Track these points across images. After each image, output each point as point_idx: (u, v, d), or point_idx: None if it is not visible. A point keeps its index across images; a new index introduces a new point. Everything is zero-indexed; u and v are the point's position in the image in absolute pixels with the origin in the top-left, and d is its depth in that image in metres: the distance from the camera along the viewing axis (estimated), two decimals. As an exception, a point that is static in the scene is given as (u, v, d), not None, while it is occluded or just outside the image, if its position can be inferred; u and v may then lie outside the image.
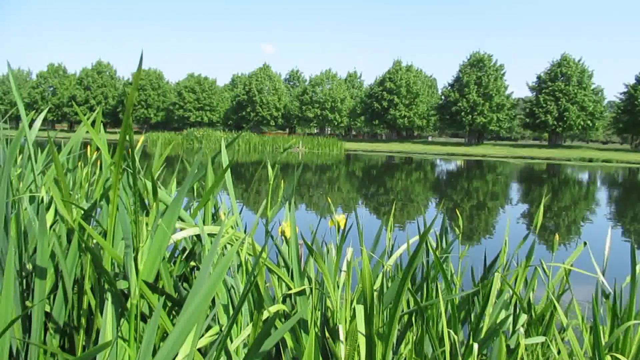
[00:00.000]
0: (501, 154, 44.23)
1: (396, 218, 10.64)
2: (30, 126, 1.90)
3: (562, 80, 53.14)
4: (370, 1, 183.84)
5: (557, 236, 2.03)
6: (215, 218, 2.18)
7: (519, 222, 10.57)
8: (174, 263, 1.83)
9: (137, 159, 1.26)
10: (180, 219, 1.60)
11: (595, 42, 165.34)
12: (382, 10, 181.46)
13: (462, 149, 49.36)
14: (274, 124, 69.16)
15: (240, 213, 2.22)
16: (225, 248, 1.64)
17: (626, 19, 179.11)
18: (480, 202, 13.47)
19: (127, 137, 1.22)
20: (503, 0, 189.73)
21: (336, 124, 66.68)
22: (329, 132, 71.41)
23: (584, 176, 26.47)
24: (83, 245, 1.42)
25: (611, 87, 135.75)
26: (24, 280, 1.57)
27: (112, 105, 72.25)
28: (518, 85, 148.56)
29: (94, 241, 1.57)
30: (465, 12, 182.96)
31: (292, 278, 1.83)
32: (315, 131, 72.48)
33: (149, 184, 1.44)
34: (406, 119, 59.90)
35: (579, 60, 53.89)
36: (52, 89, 75.38)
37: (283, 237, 2.28)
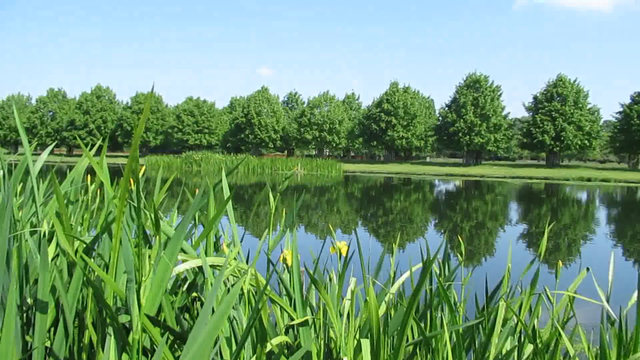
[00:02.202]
0: (499, 174, 44.33)
1: (396, 239, 10.59)
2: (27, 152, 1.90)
3: (558, 101, 53.59)
4: (365, 24, 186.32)
5: (559, 263, 2.02)
6: (217, 246, 2.17)
7: (519, 242, 10.55)
8: (176, 294, 1.81)
9: (141, 193, 1.26)
10: (183, 250, 1.59)
11: (591, 61, 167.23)
12: (378, 32, 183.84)
13: (461, 170, 49.47)
14: (272, 146, 69.39)
15: (241, 241, 2.21)
16: (228, 280, 1.63)
17: (620, 40, 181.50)
18: (480, 222, 13.44)
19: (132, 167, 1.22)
20: (500, 21, 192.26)
21: (334, 145, 66.94)
22: (327, 153, 71.63)
23: (583, 196, 26.49)
24: (85, 279, 1.41)
25: (607, 106, 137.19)
26: (25, 314, 1.56)
27: (110, 129, 72.57)
28: (515, 105, 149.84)
29: (96, 274, 1.56)
30: (462, 34, 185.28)
31: (294, 307, 1.82)
32: (314, 153, 72.69)
33: (152, 216, 1.44)
34: (404, 140, 60.17)
35: (574, 81, 54.44)
36: (51, 113, 75.81)
37: (284, 265, 2.27)
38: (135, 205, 1.32)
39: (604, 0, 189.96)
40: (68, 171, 2.16)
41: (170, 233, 1.48)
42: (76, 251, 1.69)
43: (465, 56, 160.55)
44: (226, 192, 1.85)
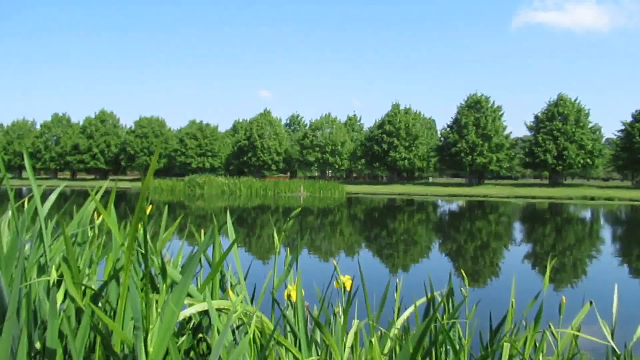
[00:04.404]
0: (503, 194, 44.26)
1: (400, 260, 10.59)
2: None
3: (559, 120, 53.79)
4: (365, 44, 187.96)
5: (563, 298, 2.03)
6: (222, 283, 2.19)
7: (525, 262, 10.53)
8: (182, 333, 1.83)
9: (149, 240, 1.29)
10: (189, 294, 1.61)
11: (591, 81, 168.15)
12: (379, 52, 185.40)
13: (464, 190, 49.42)
14: (275, 168, 69.66)
15: (245, 277, 2.23)
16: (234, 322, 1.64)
17: (619, 59, 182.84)
18: (484, 244, 13.38)
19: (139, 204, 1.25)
20: (498, 42, 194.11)
21: (337, 167, 67.12)
22: (330, 174, 71.78)
23: (588, 215, 26.39)
24: (93, 325, 1.43)
25: (608, 124, 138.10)
26: (33, 359, 1.57)
27: (114, 152, 73.02)
28: (516, 124, 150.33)
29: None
30: (461, 54, 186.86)
31: (299, 346, 1.82)
32: (317, 174, 72.89)
33: (158, 262, 1.46)
34: (406, 160, 60.31)
35: (575, 100, 54.73)
36: (55, 138, 76.36)
37: (289, 301, 2.28)
38: (143, 252, 1.34)
39: (601, 21, 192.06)
40: (80, 209, 2.19)
41: (177, 278, 1.51)
42: (84, 292, 1.71)
43: (465, 76, 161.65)
44: (231, 236, 1.88)
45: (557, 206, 31.86)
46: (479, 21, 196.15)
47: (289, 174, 73.97)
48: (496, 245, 13.48)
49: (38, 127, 78.81)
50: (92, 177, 77.50)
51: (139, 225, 1.24)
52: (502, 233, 16.66)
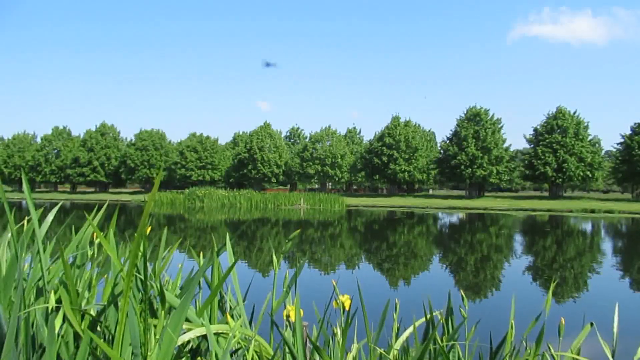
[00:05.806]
0: (503, 206, 44.22)
1: (400, 274, 10.56)
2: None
3: (558, 132, 53.88)
4: (364, 57, 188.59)
5: (562, 320, 2.03)
6: (221, 304, 2.18)
7: (525, 276, 10.51)
8: (180, 358, 1.82)
9: (148, 268, 1.30)
10: (187, 319, 1.61)
11: (589, 93, 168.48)
12: (378, 65, 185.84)
13: (464, 202, 49.37)
14: (275, 180, 69.67)
15: (244, 299, 2.23)
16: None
17: (617, 72, 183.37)
18: (485, 257, 13.34)
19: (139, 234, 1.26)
20: (495, 55, 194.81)
21: (337, 179, 67.14)
22: (330, 187, 71.77)
23: (588, 227, 26.34)
24: (91, 351, 1.43)
25: (606, 136, 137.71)
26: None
27: (114, 165, 73.09)
28: (514, 136, 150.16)
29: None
30: (459, 68, 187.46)
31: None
32: (317, 186, 72.88)
33: (157, 286, 1.46)
34: (406, 173, 60.34)
35: (574, 113, 54.87)
36: (56, 151, 76.48)
37: (287, 321, 2.28)
38: (142, 278, 1.35)
39: (598, 34, 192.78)
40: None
41: (175, 303, 1.51)
42: (83, 316, 1.71)
43: (464, 89, 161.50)
44: (230, 259, 1.88)
45: (557, 219, 31.81)
46: (476, 35, 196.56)
47: (289, 186, 73.96)
48: (497, 258, 13.44)
49: (39, 140, 78.98)
50: (92, 190, 77.50)
51: (139, 254, 1.24)
52: (502, 246, 16.62)
